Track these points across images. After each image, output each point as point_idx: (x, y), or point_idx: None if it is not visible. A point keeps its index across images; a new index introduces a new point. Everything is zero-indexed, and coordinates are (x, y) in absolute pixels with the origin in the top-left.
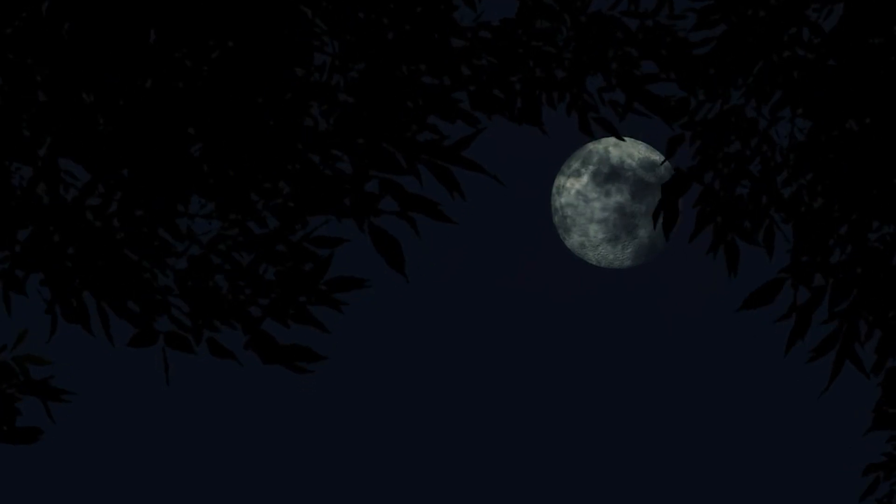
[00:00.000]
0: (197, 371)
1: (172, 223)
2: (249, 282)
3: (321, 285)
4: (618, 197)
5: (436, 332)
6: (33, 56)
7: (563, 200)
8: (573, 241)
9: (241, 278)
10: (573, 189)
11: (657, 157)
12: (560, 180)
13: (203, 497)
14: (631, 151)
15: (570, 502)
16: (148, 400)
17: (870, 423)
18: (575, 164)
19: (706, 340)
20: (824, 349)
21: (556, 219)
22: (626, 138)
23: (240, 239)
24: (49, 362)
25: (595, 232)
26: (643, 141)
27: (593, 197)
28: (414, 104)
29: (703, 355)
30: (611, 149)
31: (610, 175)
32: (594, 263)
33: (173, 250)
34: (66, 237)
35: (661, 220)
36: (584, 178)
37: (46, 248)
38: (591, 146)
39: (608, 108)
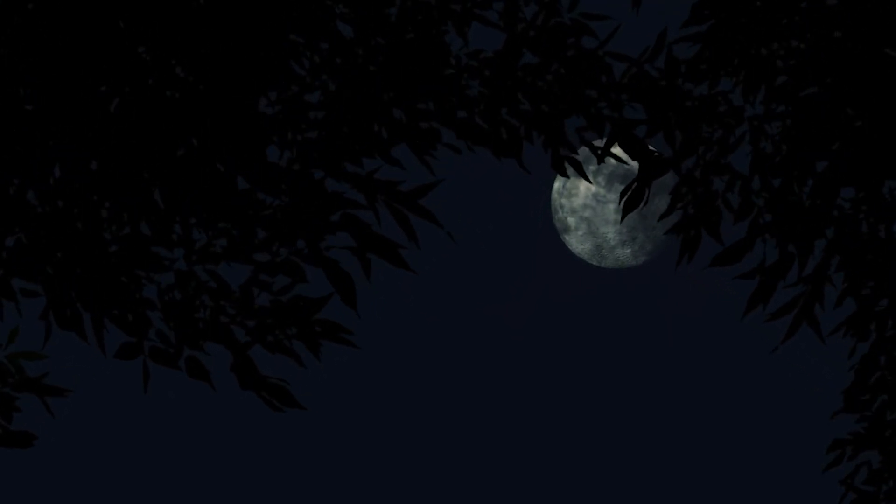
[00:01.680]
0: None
1: (167, 234)
2: (237, 303)
3: (315, 325)
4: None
5: (436, 333)
6: (22, 62)
7: (571, 203)
8: (588, 243)
9: (226, 297)
10: (581, 191)
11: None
12: (563, 181)
13: (200, 497)
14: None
15: (571, 502)
16: (145, 399)
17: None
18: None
19: (706, 340)
20: (784, 311)
21: (557, 219)
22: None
23: (221, 249)
24: (44, 357)
25: (611, 234)
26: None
27: (610, 199)
28: (384, 132)
29: (703, 355)
30: (612, 149)
31: (619, 176)
32: (610, 265)
33: (163, 264)
34: (55, 244)
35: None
36: (591, 179)
37: (38, 255)
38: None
39: (586, 148)
